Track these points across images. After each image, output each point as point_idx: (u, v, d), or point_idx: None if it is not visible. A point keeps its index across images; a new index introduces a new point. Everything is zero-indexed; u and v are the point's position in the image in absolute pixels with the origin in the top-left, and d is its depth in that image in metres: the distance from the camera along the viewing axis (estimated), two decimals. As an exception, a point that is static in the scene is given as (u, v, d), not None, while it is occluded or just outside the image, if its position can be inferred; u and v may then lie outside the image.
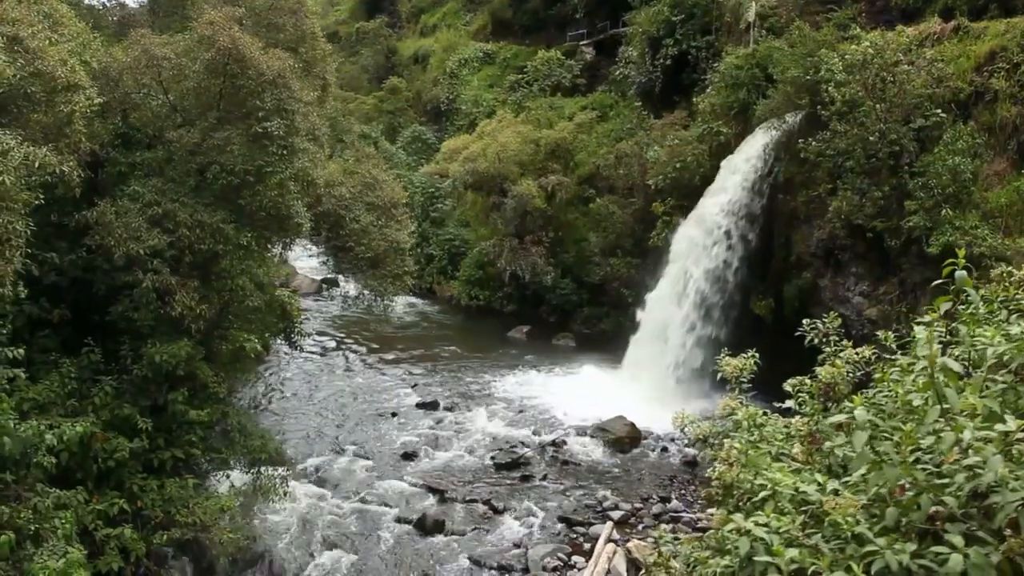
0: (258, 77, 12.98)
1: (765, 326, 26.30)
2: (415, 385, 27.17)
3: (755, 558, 3.90)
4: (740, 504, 4.88)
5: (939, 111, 20.17)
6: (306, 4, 17.88)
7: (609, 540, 18.01)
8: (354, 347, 30.96)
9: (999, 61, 19.91)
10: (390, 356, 30.22)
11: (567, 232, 35.45)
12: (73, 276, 14.44)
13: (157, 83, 13.85)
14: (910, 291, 21.11)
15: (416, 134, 48.52)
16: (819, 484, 4.31)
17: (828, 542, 3.89)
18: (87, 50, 12.33)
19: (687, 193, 28.39)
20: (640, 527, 19.01)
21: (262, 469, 17.07)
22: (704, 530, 18.96)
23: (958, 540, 3.49)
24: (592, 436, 23.75)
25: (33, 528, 9.83)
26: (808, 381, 5.99)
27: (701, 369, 26.93)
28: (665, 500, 20.20)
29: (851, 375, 5.30)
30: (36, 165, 8.99)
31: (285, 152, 13.71)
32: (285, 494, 17.34)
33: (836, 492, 4.20)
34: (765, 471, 4.59)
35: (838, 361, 5.31)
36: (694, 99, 30.65)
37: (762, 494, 4.42)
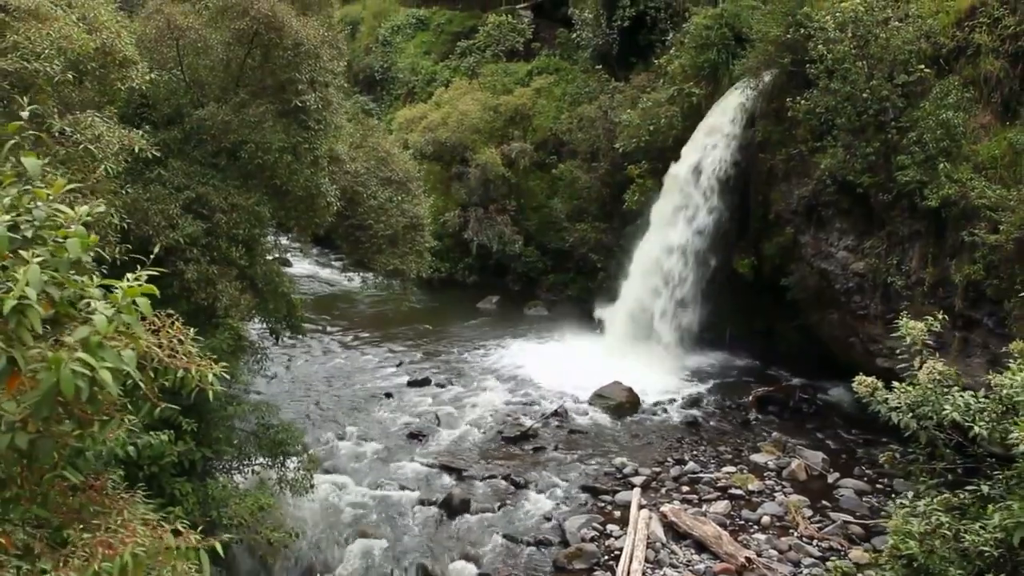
0: (295, 47, 12.08)
1: (740, 284, 26.73)
2: (400, 364, 26.51)
3: None
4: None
5: (922, 67, 20.63)
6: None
7: (640, 506, 18.06)
8: (327, 327, 29.95)
9: (980, 16, 20.44)
10: (365, 334, 29.39)
11: (528, 199, 35.05)
12: (87, 270, 13.33)
13: (176, 57, 12.74)
14: (897, 244, 21.69)
15: (359, 105, 46.89)
16: None
17: None
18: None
19: (659, 156, 28.36)
20: (663, 490, 19.12)
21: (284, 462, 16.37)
22: (725, 489, 19.27)
23: None
24: (591, 404, 23.72)
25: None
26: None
27: (685, 329, 27.24)
28: (680, 462, 20.36)
29: None
30: (136, 149, 8.09)
31: (321, 127, 12.88)
32: (312, 487, 16.67)
33: None
34: None
35: None
36: (659, 60, 30.43)
37: None
